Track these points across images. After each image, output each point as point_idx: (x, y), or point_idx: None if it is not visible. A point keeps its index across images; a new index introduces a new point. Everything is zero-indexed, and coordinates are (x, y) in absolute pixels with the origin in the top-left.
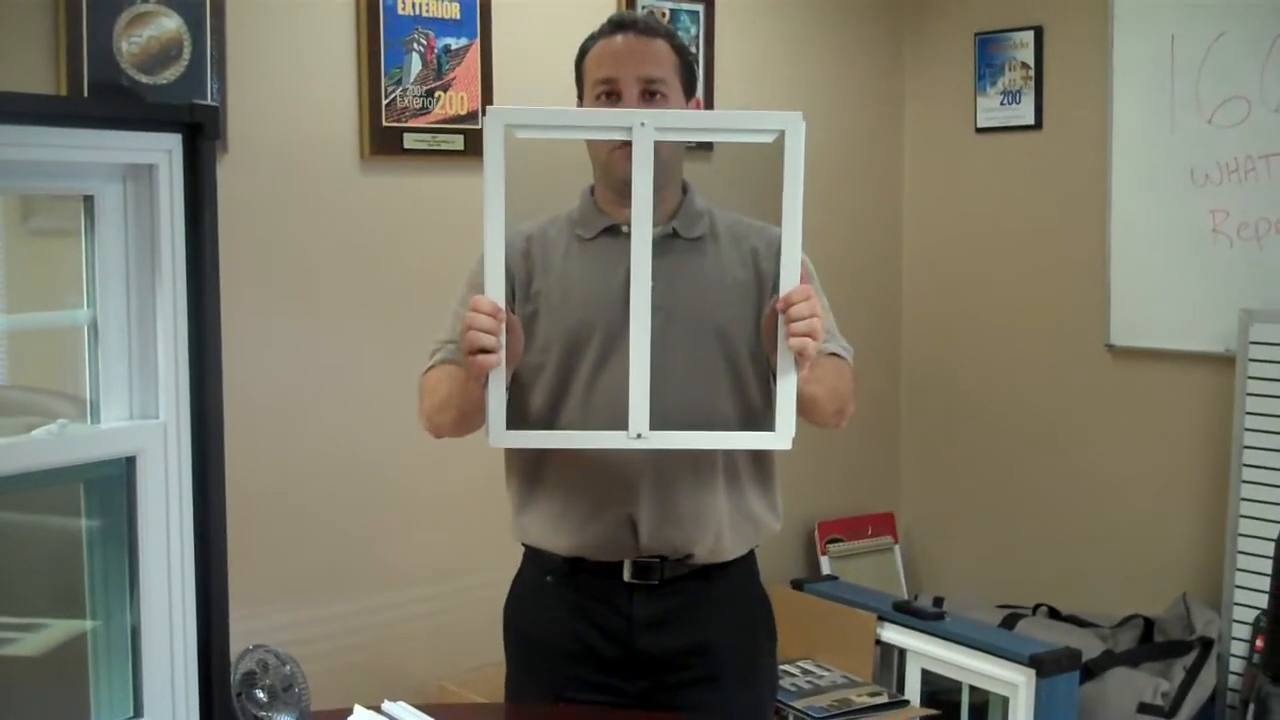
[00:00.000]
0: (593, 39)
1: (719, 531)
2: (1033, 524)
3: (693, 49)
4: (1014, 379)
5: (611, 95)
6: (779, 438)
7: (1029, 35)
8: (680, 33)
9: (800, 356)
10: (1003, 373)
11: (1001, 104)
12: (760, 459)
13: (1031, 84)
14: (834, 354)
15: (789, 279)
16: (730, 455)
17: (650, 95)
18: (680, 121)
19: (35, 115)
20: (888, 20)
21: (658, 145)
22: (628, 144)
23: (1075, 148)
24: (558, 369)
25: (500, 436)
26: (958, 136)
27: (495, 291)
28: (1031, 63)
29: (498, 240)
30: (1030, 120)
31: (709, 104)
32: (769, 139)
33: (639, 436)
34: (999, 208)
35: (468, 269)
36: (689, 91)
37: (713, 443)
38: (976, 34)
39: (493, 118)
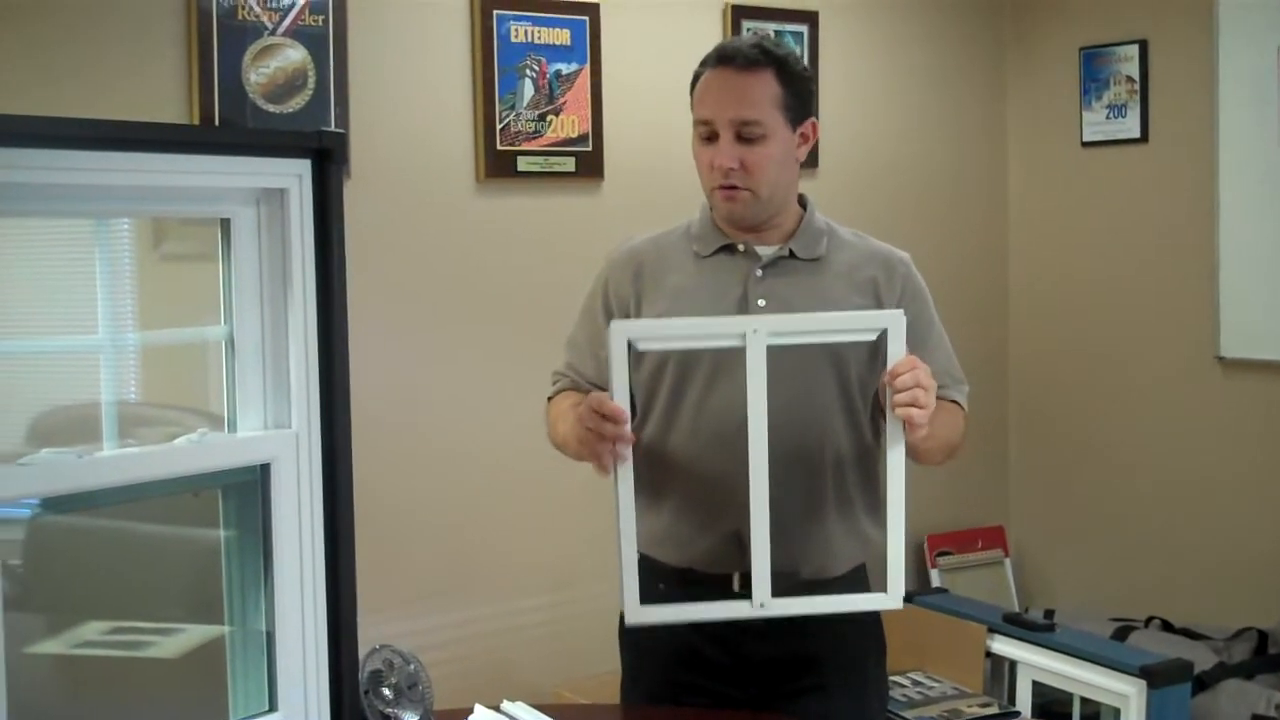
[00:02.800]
0: (702, 67)
1: (826, 550)
2: (1144, 537)
3: None
4: (1123, 391)
5: (710, 135)
6: (890, 599)
7: (1134, 49)
8: None
9: (908, 424)
10: (1112, 385)
11: (1107, 118)
12: (870, 479)
13: (1137, 97)
14: (953, 400)
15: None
16: (840, 476)
17: (746, 136)
18: (790, 325)
19: (179, 144)
20: (991, 36)
21: (767, 142)
22: (726, 188)
23: (1182, 160)
24: (671, 389)
25: (636, 613)
26: (1063, 150)
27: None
28: (1137, 76)
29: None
30: (1136, 133)
31: None
32: (873, 337)
33: (762, 606)
34: (1106, 221)
35: (585, 293)
36: (799, 119)
37: (829, 606)
38: (1081, 48)
39: (616, 333)
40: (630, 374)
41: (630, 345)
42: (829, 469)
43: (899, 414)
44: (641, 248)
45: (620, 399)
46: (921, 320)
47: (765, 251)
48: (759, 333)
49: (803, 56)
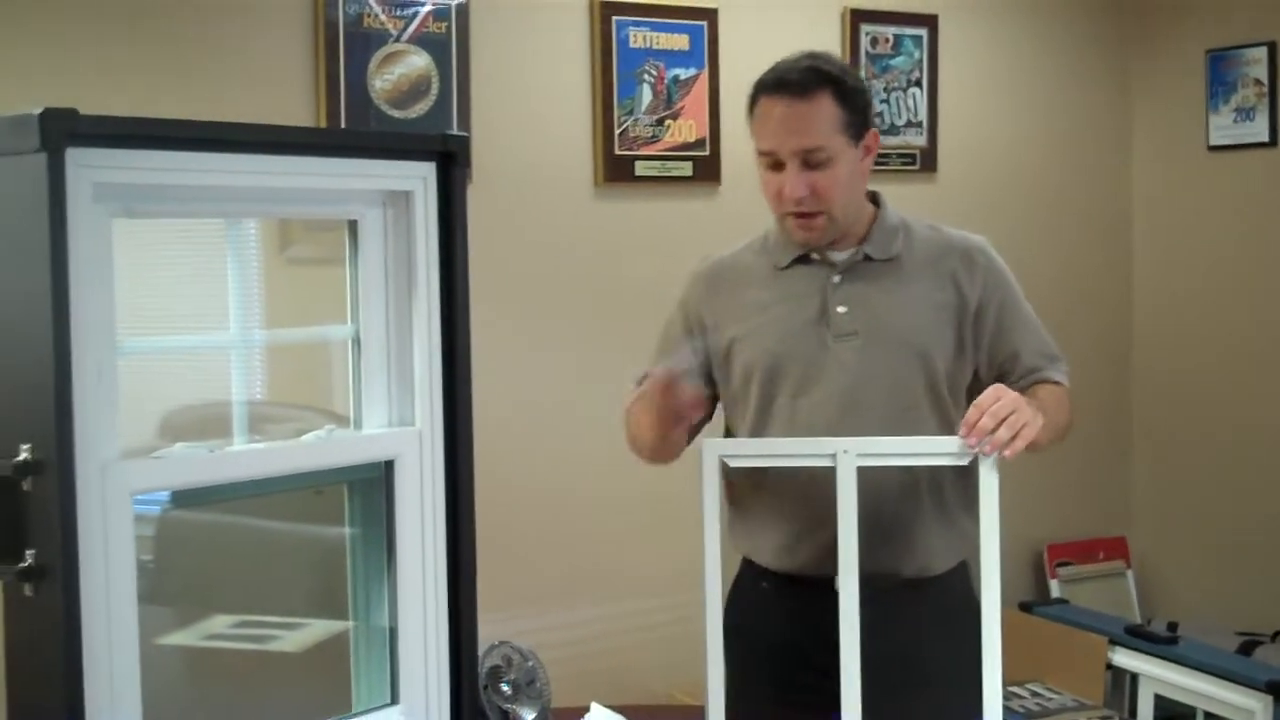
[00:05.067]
0: (757, 90)
1: (927, 548)
2: (1271, 548)
3: (916, 73)
4: (1252, 399)
5: (776, 164)
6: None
7: (1262, 51)
8: (903, 58)
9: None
10: (1238, 394)
11: (1235, 121)
12: (967, 475)
13: (1266, 100)
14: (1054, 381)
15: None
16: (935, 472)
17: (812, 164)
18: (879, 447)
19: (310, 147)
20: (1115, 39)
21: (834, 165)
22: (799, 215)
23: None
24: (760, 396)
25: None
26: (1189, 155)
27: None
28: (1265, 78)
29: (714, 553)
30: (1265, 137)
31: (934, 130)
32: (965, 461)
33: None
34: (1233, 225)
35: (666, 319)
36: (860, 133)
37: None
38: (1207, 50)
39: (708, 450)
40: (721, 386)
41: (722, 462)
42: (923, 466)
43: (998, 437)
44: (718, 268)
45: (711, 517)
46: (1007, 304)
47: (840, 257)
48: (849, 453)
49: (921, 60)
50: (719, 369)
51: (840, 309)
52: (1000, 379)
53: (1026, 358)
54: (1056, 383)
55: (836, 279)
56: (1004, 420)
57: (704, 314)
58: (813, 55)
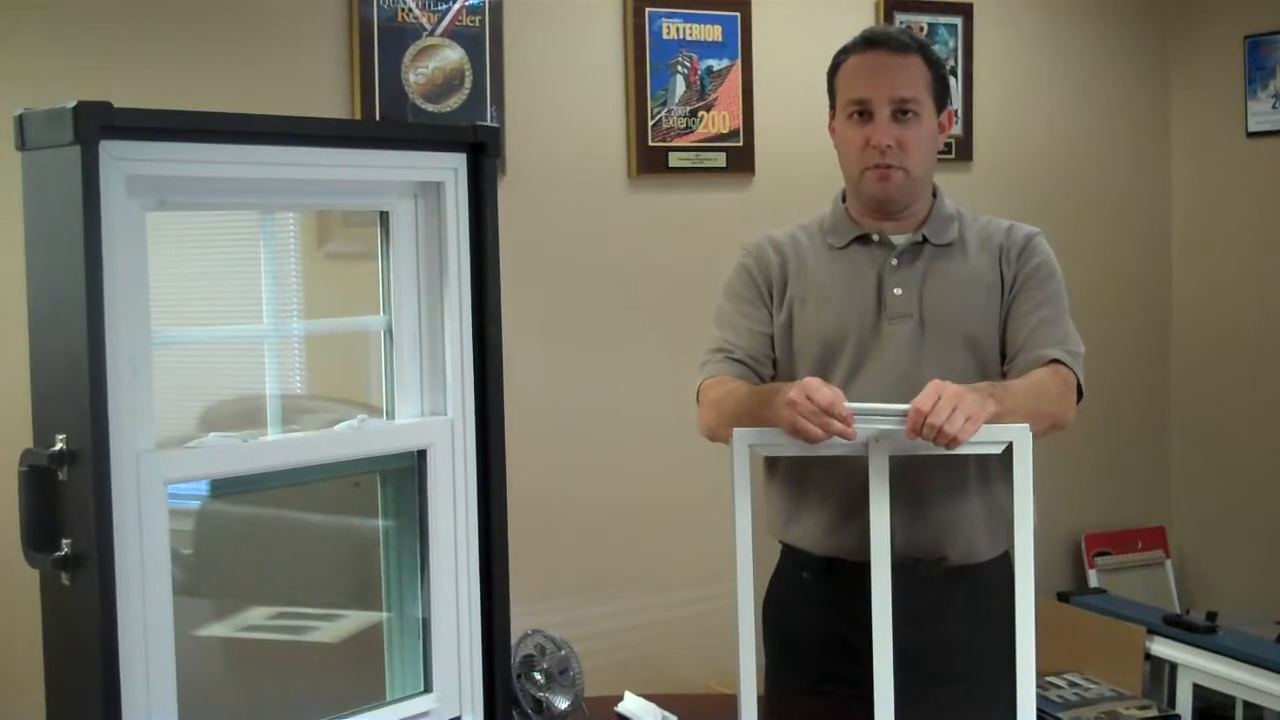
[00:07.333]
0: (845, 53)
1: (972, 534)
2: None
3: (951, 61)
4: None
5: (864, 115)
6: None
7: None
8: (938, 46)
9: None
10: (1278, 382)
11: (1274, 107)
12: (1010, 460)
13: None
14: (1055, 360)
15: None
16: (982, 457)
17: (902, 115)
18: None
19: (342, 139)
20: (1151, 25)
21: (920, 123)
22: (880, 167)
23: None
24: (813, 374)
25: None
26: (1228, 141)
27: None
28: None
29: (746, 542)
30: None
31: (969, 119)
32: (998, 450)
33: None
34: (1273, 211)
35: (724, 279)
36: (941, 105)
37: None
38: (1245, 36)
39: (738, 439)
40: (779, 361)
41: (751, 449)
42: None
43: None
44: (778, 238)
45: (743, 504)
46: (1034, 281)
47: (899, 239)
48: (881, 443)
49: (956, 49)
50: (776, 342)
51: (896, 291)
52: (1003, 355)
53: (1034, 340)
54: (1054, 360)
55: (894, 262)
56: (940, 429)
57: (772, 275)
58: (897, 27)
